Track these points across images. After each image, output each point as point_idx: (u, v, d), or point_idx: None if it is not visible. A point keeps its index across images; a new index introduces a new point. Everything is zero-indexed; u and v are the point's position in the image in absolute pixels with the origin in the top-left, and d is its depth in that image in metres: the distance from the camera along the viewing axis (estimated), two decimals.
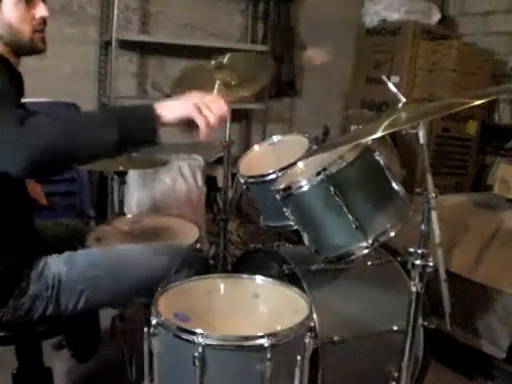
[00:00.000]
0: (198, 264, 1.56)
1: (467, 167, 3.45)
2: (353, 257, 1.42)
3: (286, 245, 1.98)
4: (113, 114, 1.26)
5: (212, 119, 1.23)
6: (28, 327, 1.42)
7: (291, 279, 1.57)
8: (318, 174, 1.38)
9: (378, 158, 1.42)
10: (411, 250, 1.26)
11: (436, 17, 3.57)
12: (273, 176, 1.67)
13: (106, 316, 2.04)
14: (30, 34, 1.35)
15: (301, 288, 1.45)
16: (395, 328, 1.60)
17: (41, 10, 1.36)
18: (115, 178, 2.62)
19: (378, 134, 1.17)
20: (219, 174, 3.23)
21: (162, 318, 1.20)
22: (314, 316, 1.37)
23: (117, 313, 1.99)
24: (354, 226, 1.37)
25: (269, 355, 1.13)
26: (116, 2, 2.88)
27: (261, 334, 1.14)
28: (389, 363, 1.51)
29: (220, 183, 3.20)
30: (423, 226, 1.24)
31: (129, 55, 3.24)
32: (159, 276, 1.44)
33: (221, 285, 1.44)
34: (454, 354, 2.17)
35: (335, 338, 1.53)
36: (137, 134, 1.21)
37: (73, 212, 2.82)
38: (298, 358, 1.19)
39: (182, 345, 1.16)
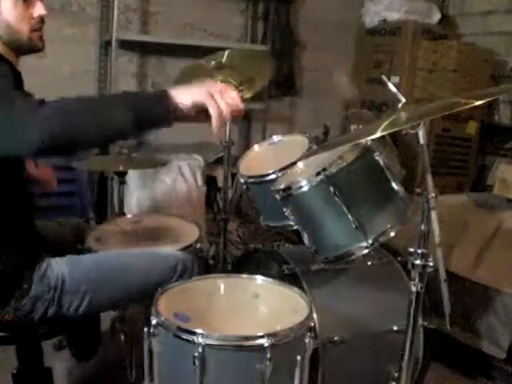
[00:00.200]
0: (199, 267, 1.56)
1: (467, 167, 3.45)
2: (353, 257, 1.42)
3: (286, 245, 1.99)
4: (127, 96, 1.26)
5: (225, 108, 1.23)
6: (28, 328, 1.42)
7: (291, 279, 1.57)
8: (318, 174, 1.38)
9: (377, 158, 1.42)
10: (411, 249, 1.26)
11: (436, 17, 3.57)
12: (273, 176, 1.67)
13: (106, 316, 2.04)
14: (28, 33, 1.35)
15: (301, 288, 1.45)
16: (395, 328, 1.60)
17: (39, 9, 1.36)
18: (115, 178, 2.62)
19: (378, 134, 1.17)
20: (219, 174, 3.22)
21: (162, 318, 1.20)
22: (314, 316, 1.37)
23: (117, 313, 1.99)
24: (354, 226, 1.38)
25: (269, 355, 1.13)
26: (116, 2, 2.88)
27: (261, 334, 1.14)
28: (389, 363, 1.51)
29: (220, 183, 3.20)
30: (423, 226, 1.24)
31: (129, 55, 3.23)
32: (162, 281, 1.43)
33: (221, 285, 1.44)
34: (453, 354, 2.17)
35: (335, 338, 1.53)
36: (151, 114, 1.21)
37: (73, 212, 2.82)
38: (298, 358, 1.19)
39: (181, 345, 1.16)
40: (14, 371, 1.53)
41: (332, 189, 1.37)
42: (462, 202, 2.45)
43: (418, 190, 1.24)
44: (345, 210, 1.37)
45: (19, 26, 1.33)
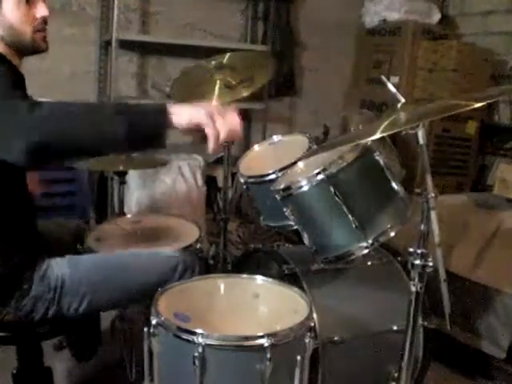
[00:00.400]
0: (199, 267, 1.56)
1: (467, 167, 3.45)
2: (353, 257, 1.42)
3: (286, 245, 1.99)
4: (123, 107, 1.25)
5: (223, 132, 1.21)
6: (29, 328, 1.42)
7: (291, 279, 1.57)
8: (318, 174, 1.38)
9: (377, 158, 1.42)
10: (411, 250, 1.26)
11: (436, 17, 3.57)
12: (273, 176, 1.67)
13: (106, 316, 2.04)
14: (31, 34, 1.35)
15: (301, 288, 1.45)
16: (395, 328, 1.60)
17: (41, 10, 1.36)
18: (115, 178, 2.62)
19: (378, 135, 1.17)
20: (219, 174, 3.23)
21: (162, 318, 1.20)
22: (314, 316, 1.37)
23: (117, 313, 2.00)
24: (354, 226, 1.38)
25: (269, 355, 1.13)
26: (116, 2, 2.88)
27: (261, 334, 1.14)
28: (389, 363, 1.51)
29: (220, 183, 3.20)
30: (423, 226, 1.25)
31: (129, 55, 3.24)
32: (162, 281, 1.43)
33: (221, 285, 1.44)
34: (454, 354, 2.17)
35: (335, 338, 1.53)
36: (146, 131, 1.20)
37: (73, 212, 2.82)
38: (298, 358, 1.19)
39: (181, 345, 1.16)
40: (14, 371, 1.53)
41: (332, 189, 1.37)
42: (461, 202, 2.45)
43: (417, 190, 1.25)
44: (345, 209, 1.37)
45: (22, 27, 1.33)
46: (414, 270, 1.26)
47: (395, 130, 1.19)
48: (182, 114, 1.21)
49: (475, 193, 3.03)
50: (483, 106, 1.15)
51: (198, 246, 1.72)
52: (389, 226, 1.40)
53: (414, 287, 1.27)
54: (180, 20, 3.33)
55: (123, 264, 1.49)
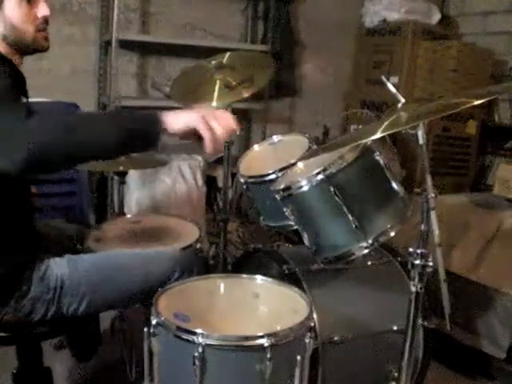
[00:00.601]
0: (199, 267, 1.56)
1: (467, 167, 3.45)
2: (353, 257, 1.43)
3: (286, 245, 1.99)
4: (117, 117, 1.26)
5: (218, 133, 1.23)
6: (28, 328, 1.42)
7: (291, 279, 1.57)
8: (318, 174, 1.38)
9: (378, 158, 1.42)
10: (411, 250, 1.26)
11: (436, 17, 3.57)
12: (273, 176, 1.67)
13: (106, 316, 2.04)
14: (33, 34, 1.35)
15: (301, 288, 1.45)
16: (395, 328, 1.60)
17: (43, 9, 1.36)
18: (115, 179, 2.63)
19: (378, 135, 1.17)
20: (219, 174, 3.23)
21: (162, 318, 1.20)
22: (314, 316, 1.38)
23: (117, 313, 2.00)
24: (353, 226, 1.38)
25: (269, 355, 1.13)
26: (116, 2, 2.87)
27: (261, 333, 1.14)
28: (389, 363, 1.52)
29: (220, 183, 3.20)
30: (423, 226, 1.25)
31: (129, 55, 3.23)
32: (161, 280, 1.43)
33: (221, 285, 1.44)
34: (454, 354, 2.17)
35: (335, 338, 1.53)
36: (140, 138, 1.21)
37: (73, 212, 2.82)
38: (298, 358, 1.19)
39: (181, 345, 1.16)
40: (14, 371, 1.53)
41: (332, 189, 1.37)
42: (461, 202, 2.45)
43: (417, 190, 1.25)
44: (345, 209, 1.37)
45: (24, 27, 1.33)
46: (414, 269, 1.26)
47: (395, 130, 1.19)
48: (176, 121, 1.23)
49: (475, 193, 3.03)
50: (483, 104, 1.15)
51: (198, 246, 1.72)
52: (389, 226, 1.40)
53: (414, 287, 1.27)
54: (180, 20, 3.32)
55: (122, 264, 1.49)
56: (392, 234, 1.40)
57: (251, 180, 1.76)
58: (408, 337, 1.30)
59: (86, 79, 3.15)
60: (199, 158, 3.17)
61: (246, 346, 1.15)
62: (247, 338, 1.15)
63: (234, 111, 1.87)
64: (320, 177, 1.38)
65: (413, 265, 1.25)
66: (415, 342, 1.32)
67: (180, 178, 3.03)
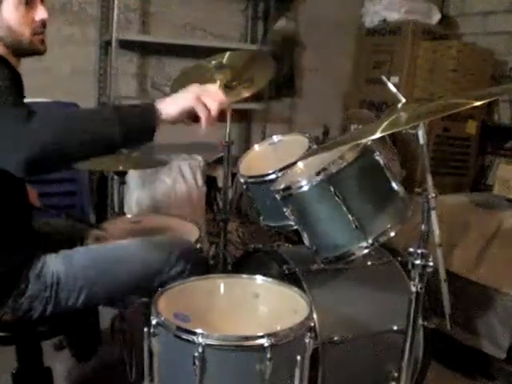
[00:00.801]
0: (195, 258, 1.56)
1: (467, 167, 3.44)
2: (353, 257, 1.42)
3: (286, 245, 1.98)
4: (114, 110, 1.26)
5: (213, 106, 1.24)
6: (28, 327, 1.42)
7: (291, 279, 1.57)
8: (318, 173, 1.38)
9: (377, 158, 1.42)
10: (411, 250, 1.26)
11: (436, 17, 3.57)
12: (273, 176, 1.67)
13: (106, 316, 2.04)
14: (29, 37, 1.35)
15: (301, 288, 1.45)
16: (395, 328, 1.60)
17: (41, 13, 1.36)
18: (115, 178, 2.62)
19: (378, 135, 1.17)
20: (219, 174, 3.23)
21: (162, 318, 1.20)
22: (314, 316, 1.38)
23: (117, 313, 1.99)
24: (353, 226, 1.38)
25: (269, 355, 1.13)
26: (116, 2, 2.87)
27: (261, 333, 1.14)
28: (389, 363, 1.52)
29: (220, 183, 3.20)
30: (423, 226, 1.24)
31: (129, 55, 3.23)
32: (157, 270, 1.45)
33: (221, 285, 1.44)
34: (454, 354, 2.17)
35: (335, 338, 1.53)
36: (139, 128, 1.22)
37: (73, 212, 2.82)
38: (298, 358, 1.19)
39: (181, 345, 1.16)
40: (14, 371, 1.53)
41: (332, 189, 1.37)
42: (461, 202, 2.45)
43: (417, 190, 1.24)
44: (345, 209, 1.37)
45: (21, 30, 1.33)
46: (414, 269, 1.25)
47: (395, 130, 1.19)
48: (173, 107, 1.24)
49: (475, 193, 3.03)
50: (483, 105, 1.15)
51: (198, 245, 1.72)
52: (389, 225, 1.40)
53: (414, 287, 1.27)
54: (180, 20, 3.32)
55: (118, 255, 1.50)
56: (392, 233, 1.40)
57: (251, 180, 1.76)
58: (408, 337, 1.30)
59: (86, 79, 3.14)
60: (199, 157, 3.16)
61: (245, 346, 1.15)
62: (247, 338, 1.15)
63: (235, 111, 1.87)
64: (320, 177, 1.38)
65: (413, 265, 1.25)
66: (415, 342, 1.32)
67: (180, 177, 3.03)
